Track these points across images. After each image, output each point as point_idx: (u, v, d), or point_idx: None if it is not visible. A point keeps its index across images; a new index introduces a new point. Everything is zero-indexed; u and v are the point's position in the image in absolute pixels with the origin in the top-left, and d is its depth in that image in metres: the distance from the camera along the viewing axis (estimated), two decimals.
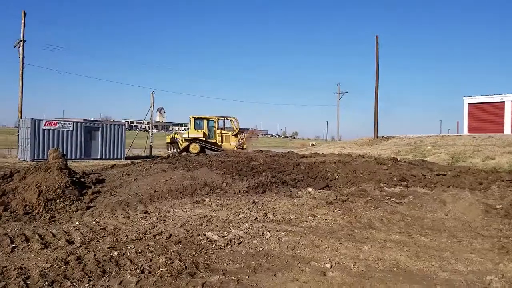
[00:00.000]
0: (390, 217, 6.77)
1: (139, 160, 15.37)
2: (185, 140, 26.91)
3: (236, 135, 26.59)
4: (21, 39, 25.19)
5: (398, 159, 15.32)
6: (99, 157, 23.81)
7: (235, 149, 24.88)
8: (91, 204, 7.57)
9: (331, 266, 4.34)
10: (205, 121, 27.24)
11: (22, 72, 25.26)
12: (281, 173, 10.50)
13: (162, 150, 31.16)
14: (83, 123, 24.10)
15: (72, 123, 23.41)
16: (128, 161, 18.77)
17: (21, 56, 25.19)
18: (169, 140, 29.06)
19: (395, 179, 10.34)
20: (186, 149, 26.35)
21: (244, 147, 25.06)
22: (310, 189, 9.11)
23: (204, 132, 26.91)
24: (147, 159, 23.05)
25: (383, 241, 5.33)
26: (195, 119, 27.61)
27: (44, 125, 21.93)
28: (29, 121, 21.64)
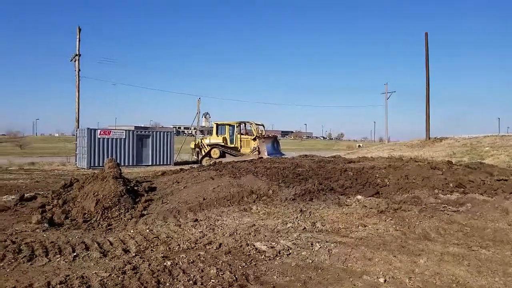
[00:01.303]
0: (446, 227, 6.47)
1: (188, 167, 15.75)
2: (207, 145, 27.39)
3: (254, 139, 26.46)
4: (77, 53, 26.69)
5: (453, 162, 14.62)
6: (150, 164, 24.84)
7: (249, 153, 24.76)
8: (144, 212, 7.85)
9: (385, 281, 4.21)
10: (226, 126, 27.42)
11: (78, 84, 26.75)
12: (328, 179, 10.35)
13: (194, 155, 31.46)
14: (135, 132, 25.22)
15: (124, 131, 24.51)
16: (177, 167, 19.33)
17: (77, 70, 26.69)
18: (193, 146, 29.43)
19: (451, 185, 9.86)
20: (208, 154, 26.81)
21: (260, 151, 24.46)
22: (359, 197, 8.90)
23: (224, 137, 27.12)
24: (194, 165, 23.75)
25: (440, 253, 5.10)
26: (217, 124, 28.10)
27: (99, 134, 23.11)
28: (86, 131, 22.89)
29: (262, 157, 21.31)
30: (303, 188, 9.46)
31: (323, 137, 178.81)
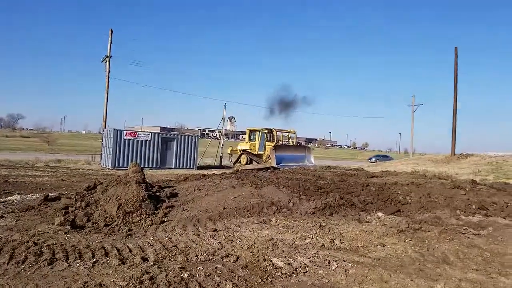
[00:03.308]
0: (466, 251, 6.30)
1: (211, 173, 15.87)
2: (240, 151, 27.73)
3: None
4: (108, 55, 27.37)
5: (477, 181, 14.23)
6: (173, 166, 25.20)
7: (264, 162, 24.44)
8: (165, 219, 7.95)
9: None
10: (257, 132, 27.51)
11: (108, 85, 27.40)
12: (349, 194, 10.24)
13: (230, 160, 31.97)
14: (160, 134, 25.56)
15: (150, 134, 24.91)
16: (200, 172, 19.56)
17: (107, 71, 27.35)
18: (229, 151, 29.77)
19: (474, 206, 9.60)
20: (238, 159, 27.14)
21: (269, 160, 23.62)
22: (380, 214, 8.78)
23: (253, 143, 27.17)
24: (217, 169, 23.94)
25: (458, 279, 4.97)
26: (249, 131, 28.28)
27: (125, 135, 23.57)
28: (112, 131, 23.38)
29: (273, 167, 21.06)
30: (323, 201, 9.40)
31: (347, 146, 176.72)
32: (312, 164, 24.33)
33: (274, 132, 26.75)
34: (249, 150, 27.12)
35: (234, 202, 9.13)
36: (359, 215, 8.76)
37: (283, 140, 27.92)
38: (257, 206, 8.98)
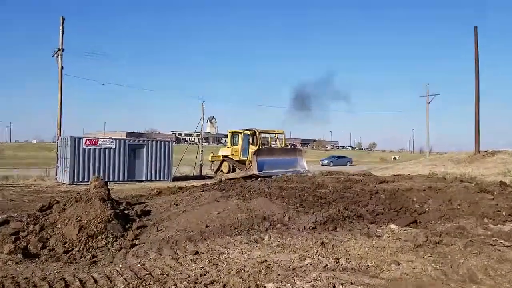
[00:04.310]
0: (497, 266, 6.39)
1: (190, 185, 15.86)
2: (222, 157, 27.71)
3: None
4: (60, 48, 27.16)
5: (507, 183, 14.46)
6: (144, 179, 25.12)
7: (246, 169, 23.83)
8: (136, 242, 7.93)
9: None
10: (239, 135, 27.52)
11: (61, 84, 27.20)
12: (355, 203, 10.32)
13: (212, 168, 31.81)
14: (127, 141, 25.44)
15: (114, 140, 24.79)
16: (176, 184, 19.52)
17: (59, 67, 27.14)
18: (210, 158, 29.99)
19: (504, 213, 9.75)
20: (220, 167, 27.13)
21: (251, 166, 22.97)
22: (392, 226, 8.86)
23: (235, 148, 27.22)
24: (197, 180, 23.87)
25: None
26: (231, 133, 28.39)
27: (85, 144, 23.42)
28: (69, 140, 23.22)
29: (255, 174, 20.80)
30: (325, 214, 9.47)
31: (351, 147, 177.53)
32: (304, 170, 23.87)
33: (258, 134, 26.55)
34: (230, 156, 27.06)
35: (218, 219, 9.13)
36: (368, 228, 8.82)
37: (271, 143, 27.96)
38: (246, 222, 9.00)
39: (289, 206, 9.94)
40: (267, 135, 27.83)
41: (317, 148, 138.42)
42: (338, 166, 51.75)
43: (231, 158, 26.77)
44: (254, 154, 22.71)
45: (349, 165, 60.35)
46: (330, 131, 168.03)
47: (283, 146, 27.67)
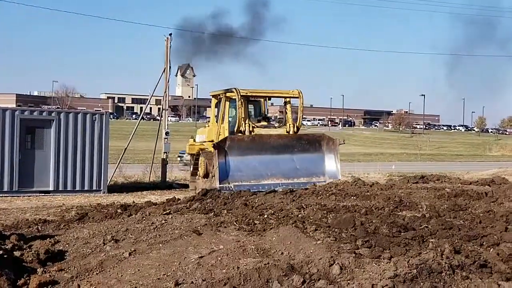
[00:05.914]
0: None
1: (144, 200, 11.15)
2: (198, 146, 17.24)
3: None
4: None
5: None
6: (51, 188, 15.14)
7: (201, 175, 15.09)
8: None
9: None
10: (226, 102, 15.77)
11: None
12: (474, 240, 7.19)
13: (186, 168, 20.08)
14: (17, 113, 15.00)
15: None
16: (115, 200, 13.17)
17: None
18: (188, 150, 18.74)
19: None
20: (196, 167, 16.24)
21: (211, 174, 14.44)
22: None
23: (221, 128, 15.83)
24: (157, 191, 15.49)
25: None
26: (216, 99, 16.90)
27: None
28: None
29: (215, 188, 12.69)
30: (414, 261, 6.24)
31: (466, 127, 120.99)
32: (335, 178, 14.21)
33: (263, 100, 16.76)
34: (209, 142, 16.04)
35: (199, 269, 6.47)
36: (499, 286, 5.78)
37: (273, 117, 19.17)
38: (257, 278, 6.14)
39: (341, 244, 6.76)
40: (267, 100, 17.38)
41: (395, 128, 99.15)
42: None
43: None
44: (214, 147, 13.91)
45: None
46: (423, 95, 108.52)
47: (292, 127, 15.73)
